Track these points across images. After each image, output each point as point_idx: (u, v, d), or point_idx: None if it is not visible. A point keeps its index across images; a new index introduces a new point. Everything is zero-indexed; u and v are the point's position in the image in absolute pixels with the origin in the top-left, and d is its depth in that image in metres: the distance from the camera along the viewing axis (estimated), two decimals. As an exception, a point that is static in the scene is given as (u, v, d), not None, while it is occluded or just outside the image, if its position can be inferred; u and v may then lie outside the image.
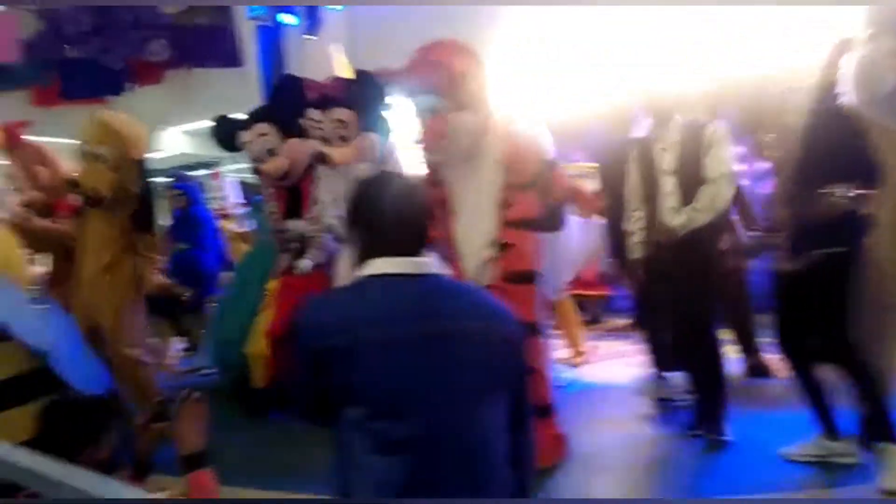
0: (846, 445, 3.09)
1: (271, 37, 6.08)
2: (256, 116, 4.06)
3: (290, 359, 1.56)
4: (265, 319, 4.39)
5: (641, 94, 3.65)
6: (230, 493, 1.05)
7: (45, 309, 2.68)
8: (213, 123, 4.20)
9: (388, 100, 3.75)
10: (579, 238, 4.80)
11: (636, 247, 3.72)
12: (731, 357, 4.24)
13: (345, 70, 4.30)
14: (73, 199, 3.84)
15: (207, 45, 8.65)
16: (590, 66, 4.63)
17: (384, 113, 3.78)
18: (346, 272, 3.66)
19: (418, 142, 3.40)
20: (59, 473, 1.15)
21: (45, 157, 4.31)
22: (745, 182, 4.42)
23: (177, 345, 6.49)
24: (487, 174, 3.21)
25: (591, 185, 4.96)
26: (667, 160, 3.51)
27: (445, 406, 1.41)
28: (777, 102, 3.22)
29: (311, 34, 5.72)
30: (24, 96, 8.92)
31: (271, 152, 3.95)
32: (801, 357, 3.14)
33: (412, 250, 1.53)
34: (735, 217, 4.19)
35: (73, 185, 3.79)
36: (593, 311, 6.91)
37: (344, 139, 3.64)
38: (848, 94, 2.65)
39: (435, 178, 3.36)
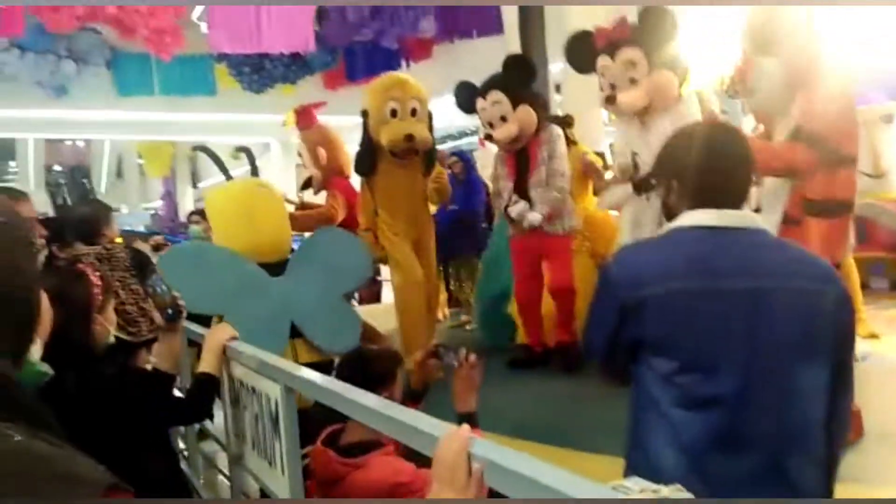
0: None
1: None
2: (490, 84, 4.20)
3: (593, 313, 1.52)
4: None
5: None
6: (506, 443, 1.12)
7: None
8: (456, 89, 4.41)
9: (680, 34, 3.50)
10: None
11: None
12: None
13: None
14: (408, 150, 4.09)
15: (471, 17, 9.05)
16: None
17: (677, 48, 3.52)
18: (629, 225, 3.61)
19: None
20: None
21: (329, 140, 4.83)
22: None
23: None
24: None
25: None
26: None
27: (762, 364, 1.34)
28: None
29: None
30: (317, 80, 10.13)
31: (503, 118, 4.07)
32: None
33: (734, 202, 1.45)
34: None
35: (408, 138, 4.00)
36: (892, 276, 6.05)
37: (634, 81, 3.51)
38: None
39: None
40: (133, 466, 1.15)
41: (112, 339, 1.95)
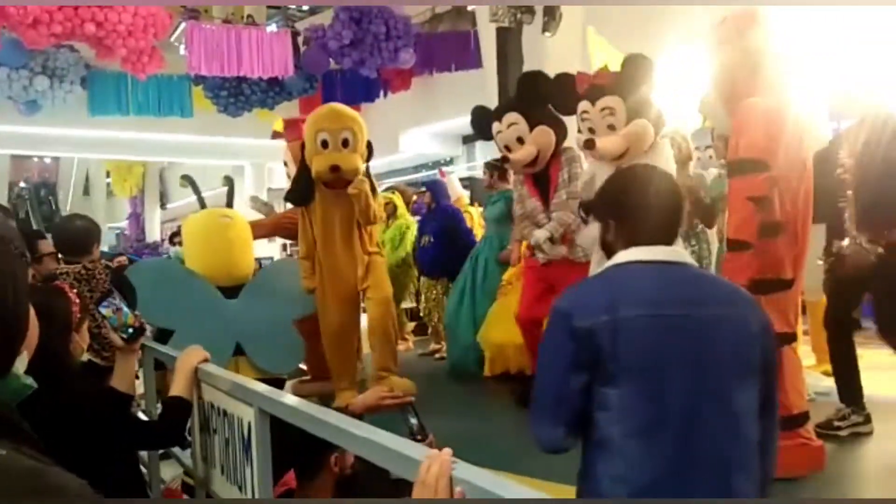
0: None
1: (510, 38, 6.28)
2: (507, 107, 4.22)
3: (544, 352, 1.58)
4: (504, 307, 4.58)
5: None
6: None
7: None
8: (472, 114, 4.44)
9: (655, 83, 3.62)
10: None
11: None
12: None
13: (603, 53, 4.25)
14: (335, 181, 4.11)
15: (451, 51, 9.20)
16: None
17: (654, 96, 3.63)
18: (596, 259, 3.62)
19: None
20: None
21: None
22: None
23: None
24: None
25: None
26: None
27: (705, 387, 1.44)
28: None
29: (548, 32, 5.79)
30: (294, 107, 10.16)
31: (521, 140, 4.07)
32: None
33: (666, 240, 1.58)
34: None
35: (333, 168, 4.02)
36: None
37: (612, 128, 3.58)
38: None
39: None
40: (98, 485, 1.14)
41: (84, 359, 1.93)
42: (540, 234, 3.95)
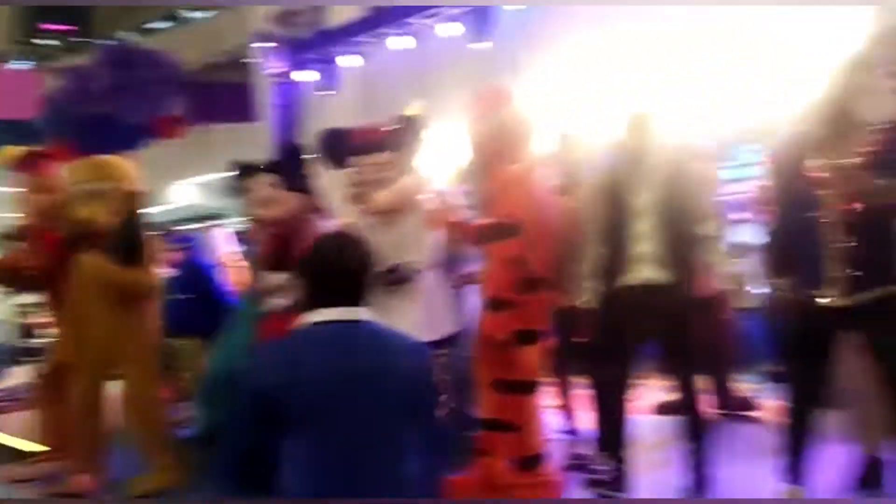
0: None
1: (287, 93, 6.24)
2: (262, 167, 4.19)
3: (232, 405, 1.82)
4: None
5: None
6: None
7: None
8: (230, 168, 4.31)
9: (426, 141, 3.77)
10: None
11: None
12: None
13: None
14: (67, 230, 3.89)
15: (225, 102, 8.91)
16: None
17: (425, 154, 3.78)
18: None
19: None
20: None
21: (54, 187, 4.33)
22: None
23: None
24: None
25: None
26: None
27: (370, 434, 1.70)
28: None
29: (329, 90, 5.84)
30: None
31: (269, 201, 4.04)
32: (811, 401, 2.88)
33: (350, 300, 1.79)
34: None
35: (83, 221, 3.83)
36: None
37: (383, 183, 3.64)
38: None
39: None
40: None
41: None
42: (277, 303, 3.88)
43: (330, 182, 4.10)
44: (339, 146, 3.86)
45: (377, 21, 6.63)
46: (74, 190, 3.95)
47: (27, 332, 8.48)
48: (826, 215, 2.66)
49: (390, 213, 3.60)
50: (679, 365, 3.18)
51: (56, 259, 4.10)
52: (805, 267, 2.76)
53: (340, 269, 1.80)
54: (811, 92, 2.88)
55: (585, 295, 3.16)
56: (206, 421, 4.87)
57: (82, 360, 3.89)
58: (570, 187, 3.57)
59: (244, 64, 8.26)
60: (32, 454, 4.36)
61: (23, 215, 4.40)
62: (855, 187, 2.60)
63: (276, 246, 4.09)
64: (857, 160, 2.64)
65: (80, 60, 8.52)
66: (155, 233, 4.42)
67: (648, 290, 3.04)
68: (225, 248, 6.47)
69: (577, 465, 3.62)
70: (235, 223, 11.33)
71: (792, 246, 2.85)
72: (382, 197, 3.58)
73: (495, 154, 3.10)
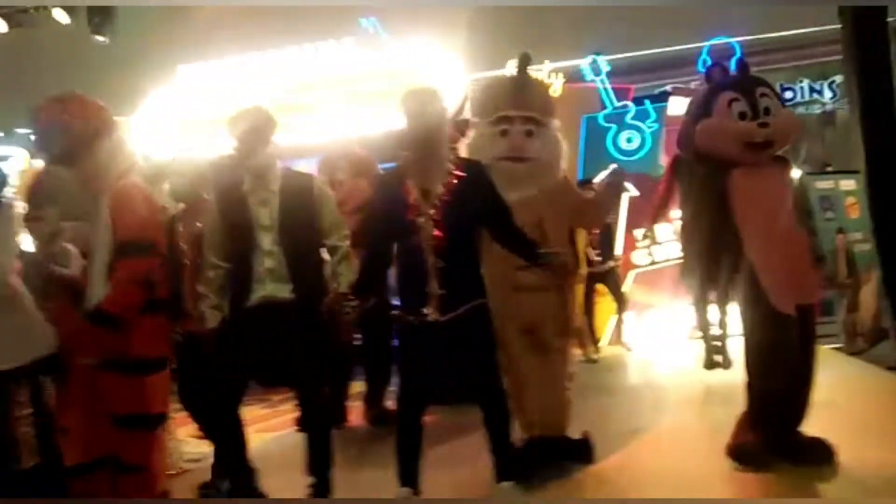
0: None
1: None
2: None
3: None
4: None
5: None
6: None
7: None
8: None
9: None
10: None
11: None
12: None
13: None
14: None
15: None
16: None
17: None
18: None
19: None
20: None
21: None
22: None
23: None
24: None
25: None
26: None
27: None
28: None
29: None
30: None
31: None
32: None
33: None
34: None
35: None
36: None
37: None
38: None
39: None
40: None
41: None
42: None
43: None
44: None
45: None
46: None
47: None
48: (423, 238, 2.84)
49: None
50: (304, 380, 3.13)
51: None
52: (410, 286, 2.95)
53: None
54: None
55: (206, 317, 3.11)
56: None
57: None
58: (192, 207, 3.52)
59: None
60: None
61: None
62: (438, 216, 2.82)
63: None
64: (441, 190, 2.84)
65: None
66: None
67: (269, 307, 3.03)
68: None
69: (204, 494, 3.49)
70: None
71: (385, 267, 3.13)
72: None
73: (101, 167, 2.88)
